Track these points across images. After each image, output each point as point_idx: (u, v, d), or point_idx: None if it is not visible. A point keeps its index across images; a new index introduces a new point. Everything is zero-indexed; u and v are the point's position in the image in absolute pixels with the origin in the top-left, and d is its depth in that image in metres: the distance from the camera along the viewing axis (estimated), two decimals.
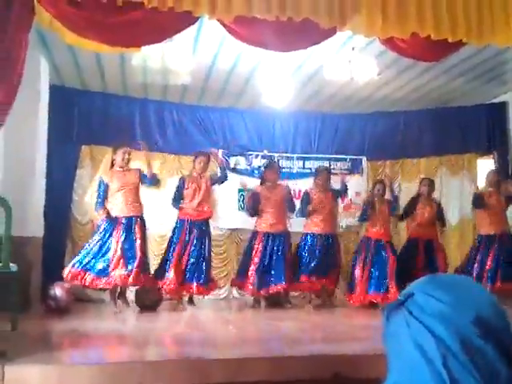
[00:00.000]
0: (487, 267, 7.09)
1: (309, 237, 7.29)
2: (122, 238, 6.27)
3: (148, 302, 6.49)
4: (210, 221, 7.20)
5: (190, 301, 7.02)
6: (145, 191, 6.86)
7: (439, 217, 7.70)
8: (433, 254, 7.50)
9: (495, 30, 4.66)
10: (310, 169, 8.73)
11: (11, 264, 4.62)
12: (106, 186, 6.46)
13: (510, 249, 7.15)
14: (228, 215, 8.45)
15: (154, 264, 6.96)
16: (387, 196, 7.48)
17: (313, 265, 7.10)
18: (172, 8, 4.14)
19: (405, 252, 7.68)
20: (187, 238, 6.80)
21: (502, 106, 8.70)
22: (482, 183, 7.96)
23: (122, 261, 6.18)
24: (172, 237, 6.94)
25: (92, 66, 7.29)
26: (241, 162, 8.62)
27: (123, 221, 6.35)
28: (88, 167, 8.06)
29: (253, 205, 7.26)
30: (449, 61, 6.58)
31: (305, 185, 8.15)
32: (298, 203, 7.62)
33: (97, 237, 6.37)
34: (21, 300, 4.85)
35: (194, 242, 6.81)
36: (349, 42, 6.33)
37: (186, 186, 6.93)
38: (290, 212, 7.35)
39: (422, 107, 8.95)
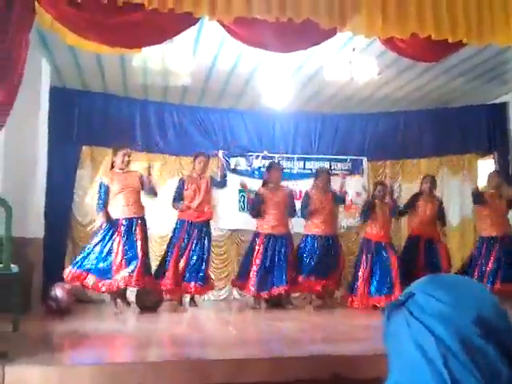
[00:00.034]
0: (488, 269, 7.09)
1: (309, 238, 7.28)
2: (124, 239, 6.26)
3: (148, 303, 6.49)
4: (211, 222, 7.21)
5: (192, 301, 7.02)
6: None
7: (440, 215, 7.69)
8: (435, 252, 7.49)
9: (495, 29, 4.66)
10: (311, 169, 8.73)
11: (12, 265, 4.62)
12: (107, 188, 6.44)
13: (511, 251, 7.15)
14: (228, 216, 8.45)
15: (154, 265, 6.96)
16: (387, 200, 7.46)
17: (313, 266, 7.09)
18: (172, 9, 4.14)
19: (406, 250, 7.68)
20: (187, 239, 6.80)
21: (503, 106, 8.70)
22: (482, 184, 7.95)
23: (124, 263, 6.17)
24: (172, 237, 6.96)
25: (92, 67, 7.29)
26: (241, 163, 8.62)
27: (124, 222, 6.33)
28: (88, 168, 8.07)
29: (255, 206, 7.26)
30: (449, 61, 6.58)
31: (305, 185, 8.16)
32: (298, 203, 7.61)
33: (98, 238, 6.35)
34: (22, 301, 4.85)
35: (194, 242, 6.81)
36: (349, 42, 6.33)
37: (185, 187, 6.94)
38: (290, 216, 7.34)
39: (423, 107, 8.95)
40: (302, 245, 7.31)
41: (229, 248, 8.59)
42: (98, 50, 5.40)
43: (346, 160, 8.97)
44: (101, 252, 6.22)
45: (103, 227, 6.38)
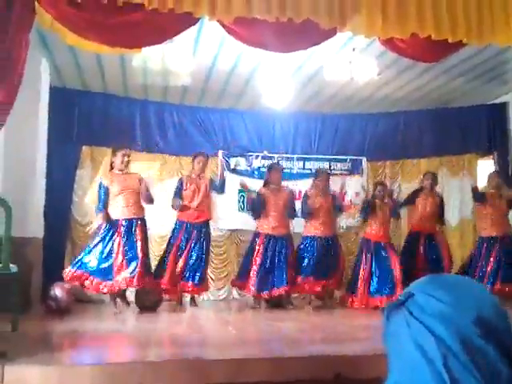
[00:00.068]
0: (488, 269, 7.08)
1: (308, 240, 7.28)
2: (124, 240, 6.25)
3: (148, 303, 6.49)
4: (210, 222, 7.21)
5: (193, 301, 7.02)
6: None
7: (440, 213, 7.67)
8: (435, 247, 7.49)
9: (495, 29, 4.66)
10: (310, 169, 8.73)
11: (11, 265, 4.62)
12: (107, 189, 6.42)
13: (511, 251, 7.15)
14: (228, 216, 8.45)
15: (153, 265, 6.95)
16: (387, 200, 7.45)
17: (313, 267, 7.07)
18: (172, 9, 4.14)
19: (407, 246, 7.68)
20: (185, 240, 6.79)
21: (503, 106, 8.70)
22: (481, 184, 7.94)
23: (124, 264, 6.17)
24: (170, 238, 6.96)
25: (92, 67, 7.29)
26: (241, 163, 8.62)
27: (124, 223, 6.32)
28: (88, 168, 8.07)
29: (256, 206, 7.26)
30: (449, 61, 6.59)
31: (305, 185, 8.15)
32: (297, 204, 7.61)
33: (98, 239, 6.35)
34: (21, 301, 4.85)
35: (193, 243, 6.80)
36: (349, 42, 6.33)
37: (184, 187, 6.92)
38: (290, 218, 7.33)
39: (423, 107, 8.96)
40: (302, 246, 7.31)
41: (228, 248, 8.59)
42: (98, 50, 5.40)
43: (345, 160, 8.97)
44: (101, 253, 6.21)
45: (103, 228, 6.37)
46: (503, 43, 5.02)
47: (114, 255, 6.20)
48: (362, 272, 7.16)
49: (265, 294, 6.97)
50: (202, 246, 6.86)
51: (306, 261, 7.15)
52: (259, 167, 8.65)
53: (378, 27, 4.52)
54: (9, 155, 6.15)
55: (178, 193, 6.95)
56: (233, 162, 8.60)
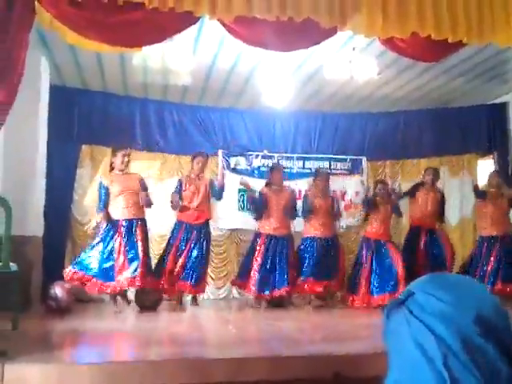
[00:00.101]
0: (489, 268, 7.08)
1: (308, 240, 7.28)
2: (124, 241, 6.24)
3: (148, 303, 6.48)
4: (210, 221, 7.19)
5: (194, 301, 7.01)
6: None
7: (440, 209, 7.65)
8: (437, 242, 7.48)
9: (496, 29, 4.66)
10: (310, 169, 8.73)
11: (11, 263, 4.62)
12: (107, 189, 6.41)
13: (511, 250, 7.15)
14: (228, 215, 8.45)
15: (153, 264, 6.95)
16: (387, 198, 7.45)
17: (313, 268, 7.07)
18: (172, 8, 4.14)
19: (408, 241, 7.68)
20: (185, 241, 6.76)
21: (503, 106, 8.70)
22: (482, 183, 7.94)
23: (126, 264, 6.17)
24: (170, 238, 6.94)
25: (92, 66, 7.29)
26: (241, 162, 8.62)
27: (124, 224, 6.32)
28: (88, 167, 8.07)
29: (258, 206, 7.24)
30: (449, 61, 6.58)
31: (305, 185, 8.16)
32: (298, 203, 7.61)
33: (98, 240, 6.35)
34: (21, 299, 4.85)
35: (192, 244, 6.76)
36: (349, 42, 6.33)
37: (183, 188, 6.89)
38: (291, 219, 7.33)
39: (423, 107, 8.96)
40: (302, 247, 7.30)
41: (228, 247, 8.59)
42: (98, 49, 5.40)
43: (345, 159, 8.97)
44: (102, 254, 6.21)
45: (103, 228, 6.38)
46: (503, 43, 5.02)
47: (115, 256, 6.20)
48: (362, 271, 7.16)
49: (266, 295, 6.97)
50: (202, 246, 6.83)
51: (307, 261, 7.15)
52: (259, 166, 8.66)
53: (379, 26, 4.52)
54: (9, 154, 6.15)
55: (178, 194, 6.93)
56: (233, 161, 8.60)
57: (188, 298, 7.10)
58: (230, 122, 8.70)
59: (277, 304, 7.04)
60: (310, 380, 3.45)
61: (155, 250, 7.70)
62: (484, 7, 4.63)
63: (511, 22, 4.67)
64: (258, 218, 7.29)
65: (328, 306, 7.18)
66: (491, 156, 8.72)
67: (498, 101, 8.78)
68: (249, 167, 8.66)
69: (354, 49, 6.54)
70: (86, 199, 7.90)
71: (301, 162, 8.88)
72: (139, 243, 6.28)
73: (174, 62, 7.06)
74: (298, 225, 7.52)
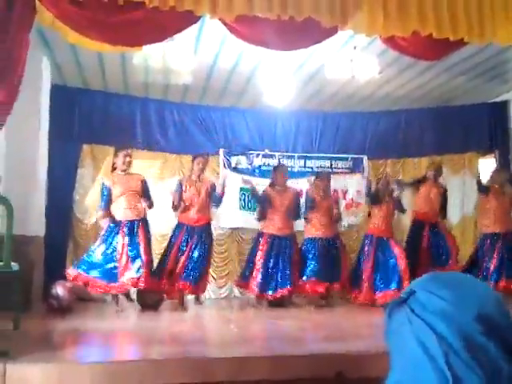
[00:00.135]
0: (492, 265, 7.08)
1: (310, 241, 7.27)
2: (127, 242, 6.25)
3: (150, 301, 6.49)
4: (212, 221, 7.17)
5: (197, 299, 7.00)
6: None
7: (443, 204, 7.65)
8: (440, 235, 7.49)
9: (496, 28, 4.66)
10: (311, 168, 8.74)
11: (13, 263, 4.62)
12: (109, 190, 6.42)
13: None
14: (229, 214, 8.44)
15: (154, 264, 6.95)
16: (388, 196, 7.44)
17: (316, 269, 7.06)
18: (173, 7, 4.14)
19: (411, 235, 7.68)
20: (186, 241, 6.73)
21: (504, 104, 8.69)
22: (484, 180, 7.93)
23: (128, 265, 6.18)
24: (170, 239, 6.91)
25: (93, 65, 7.29)
26: (242, 162, 8.62)
27: (126, 224, 6.33)
28: (89, 167, 8.07)
29: (261, 205, 7.23)
30: (450, 59, 6.58)
31: (306, 184, 8.15)
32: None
33: (101, 241, 6.35)
34: (23, 299, 4.85)
35: (193, 245, 6.73)
36: (350, 41, 6.33)
37: (183, 189, 6.86)
38: (294, 219, 7.32)
39: (424, 106, 8.95)
40: (303, 247, 7.29)
41: (229, 246, 8.59)
42: (99, 49, 5.40)
43: (346, 159, 8.98)
44: (105, 255, 6.23)
45: (105, 229, 6.39)
46: (504, 41, 5.02)
47: (117, 256, 6.22)
48: (365, 267, 7.14)
49: (268, 295, 6.96)
50: (204, 247, 6.78)
51: (308, 262, 7.14)
52: (260, 166, 8.66)
53: (380, 25, 4.52)
54: (10, 154, 6.15)
55: (178, 195, 6.89)
56: (234, 160, 8.60)
57: (190, 297, 7.10)
58: (231, 122, 8.71)
59: (278, 304, 7.03)
60: (311, 379, 3.45)
61: (156, 250, 7.68)
62: (485, 6, 4.62)
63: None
64: (261, 218, 7.28)
65: (329, 304, 7.15)
66: (492, 154, 8.71)
67: (499, 99, 8.77)
68: (250, 166, 8.66)
69: (355, 48, 6.54)
70: (88, 199, 7.90)
71: (302, 161, 8.88)
72: (141, 244, 6.28)
73: (175, 61, 7.05)
74: (300, 224, 7.50)
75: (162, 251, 7.04)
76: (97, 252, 6.27)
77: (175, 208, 6.84)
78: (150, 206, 6.55)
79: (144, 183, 6.56)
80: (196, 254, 6.72)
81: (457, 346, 0.84)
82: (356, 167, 8.97)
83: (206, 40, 6.42)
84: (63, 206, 7.69)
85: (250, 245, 7.83)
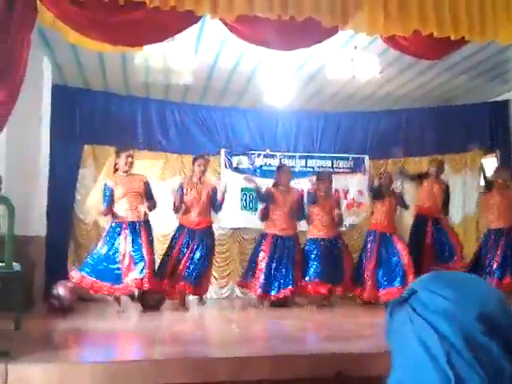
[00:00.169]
0: (496, 263, 7.07)
1: (312, 242, 7.26)
2: (129, 243, 6.25)
3: (151, 302, 6.49)
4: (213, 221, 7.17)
5: (200, 300, 6.99)
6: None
7: (445, 201, 7.65)
8: (442, 230, 7.49)
9: (498, 27, 4.65)
10: (313, 168, 8.74)
11: (14, 263, 4.62)
12: (111, 191, 6.42)
13: None
14: (231, 215, 8.43)
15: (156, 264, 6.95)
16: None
17: (318, 269, 7.04)
18: (174, 7, 4.14)
19: (414, 230, 7.67)
20: (187, 243, 6.73)
21: (505, 104, 8.70)
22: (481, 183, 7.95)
23: (132, 266, 6.18)
24: (172, 240, 6.90)
25: (94, 65, 7.30)
26: (243, 162, 8.63)
27: (129, 225, 6.33)
28: (91, 167, 8.07)
29: (266, 202, 7.22)
30: (451, 58, 6.58)
31: (307, 184, 8.14)
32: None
33: (103, 242, 6.35)
34: (24, 299, 4.86)
35: (195, 246, 6.71)
36: (351, 40, 6.33)
37: (185, 192, 6.85)
38: (297, 220, 7.30)
39: (425, 105, 8.95)
40: (306, 248, 7.28)
41: (231, 246, 8.59)
42: (100, 49, 5.40)
43: (347, 158, 8.98)
44: (107, 257, 6.22)
45: (108, 230, 6.39)
46: (505, 41, 5.01)
47: (120, 258, 6.21)
48: (368, 263, 7.13)
49: (271, 295, 6.96)
50: (205, 248, 6.75)
51: (311, 263, 7.13)
52: (261, 165, 8.66)
53: (380, 25, 4.52)
54: (11, 154, 6.15)
55: (180, 198, 6.88)
56: (235, 160, 8.60)
57: (193, 297, 7.09)
58: (232, 121, 8.71)
59: (280, 304, 7.03)
60: (312, 379, 3.45)
61: (158, 250, 7.69)
62: (486, 5, 4.62)
63: None
64: (264, 218, 7.27)
65: (331, 304, 7.13)
66: (494, 154, 8.71)
67: (500, 98, 8.76)
68: (251, 166, 8.66)
69: (355, 47, 6.54)
70: (89, 199, 7.90)
71: (303, 161, 8.88)
72: (144, 245, 6.28)
73: (176, 61, 7.05)
74: (303, 224, 7.49)
75: (164, 252, 7.04)
76: (99, 254, 6.27)
77: (176, 210, 6.83)
78: (154, 206, 6.55)
79: (147, 184, 6.56)
80: (198, 255, 6.71)
81: (459, 346, 0.84)
82: (357, 167, 8.97)
83: (207, 40, 6.42)
84: (64, 206, 7.69)
85: (251, 245, 7.84)
